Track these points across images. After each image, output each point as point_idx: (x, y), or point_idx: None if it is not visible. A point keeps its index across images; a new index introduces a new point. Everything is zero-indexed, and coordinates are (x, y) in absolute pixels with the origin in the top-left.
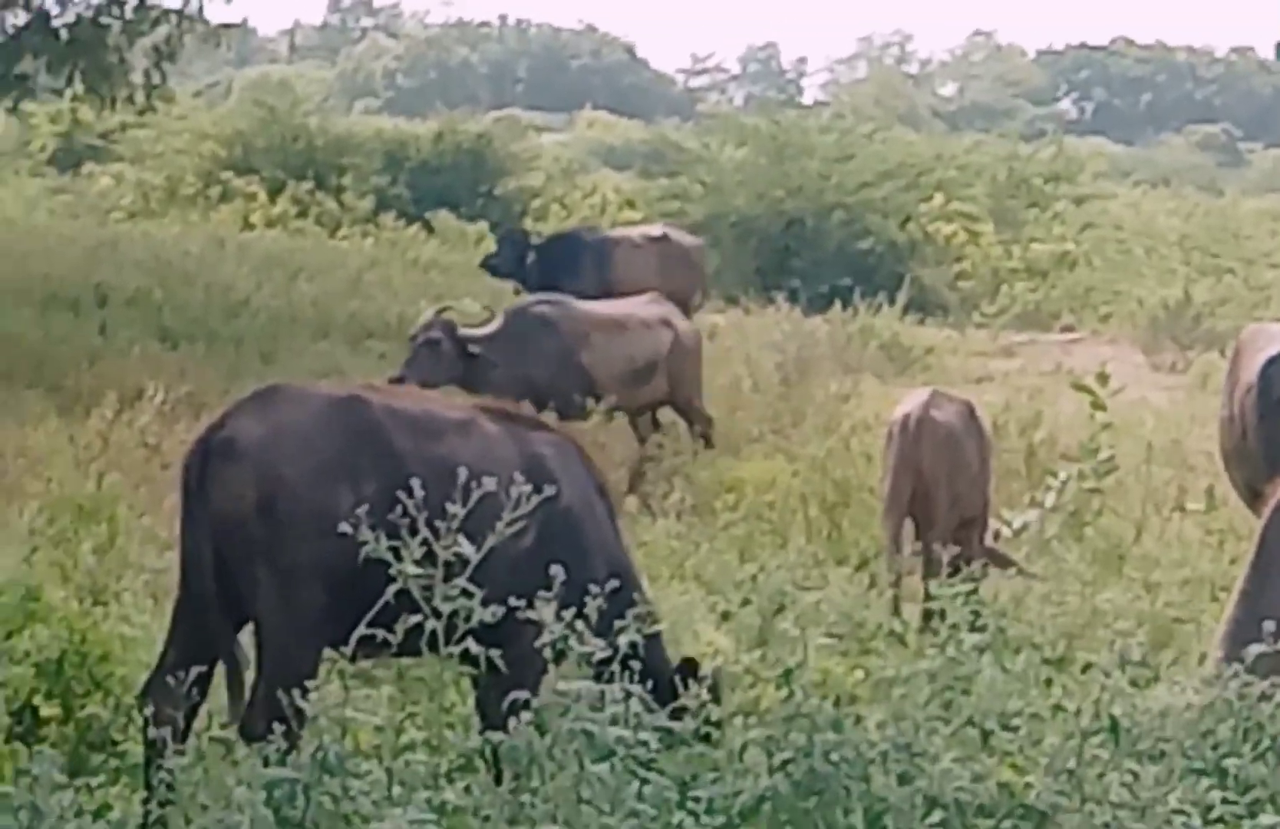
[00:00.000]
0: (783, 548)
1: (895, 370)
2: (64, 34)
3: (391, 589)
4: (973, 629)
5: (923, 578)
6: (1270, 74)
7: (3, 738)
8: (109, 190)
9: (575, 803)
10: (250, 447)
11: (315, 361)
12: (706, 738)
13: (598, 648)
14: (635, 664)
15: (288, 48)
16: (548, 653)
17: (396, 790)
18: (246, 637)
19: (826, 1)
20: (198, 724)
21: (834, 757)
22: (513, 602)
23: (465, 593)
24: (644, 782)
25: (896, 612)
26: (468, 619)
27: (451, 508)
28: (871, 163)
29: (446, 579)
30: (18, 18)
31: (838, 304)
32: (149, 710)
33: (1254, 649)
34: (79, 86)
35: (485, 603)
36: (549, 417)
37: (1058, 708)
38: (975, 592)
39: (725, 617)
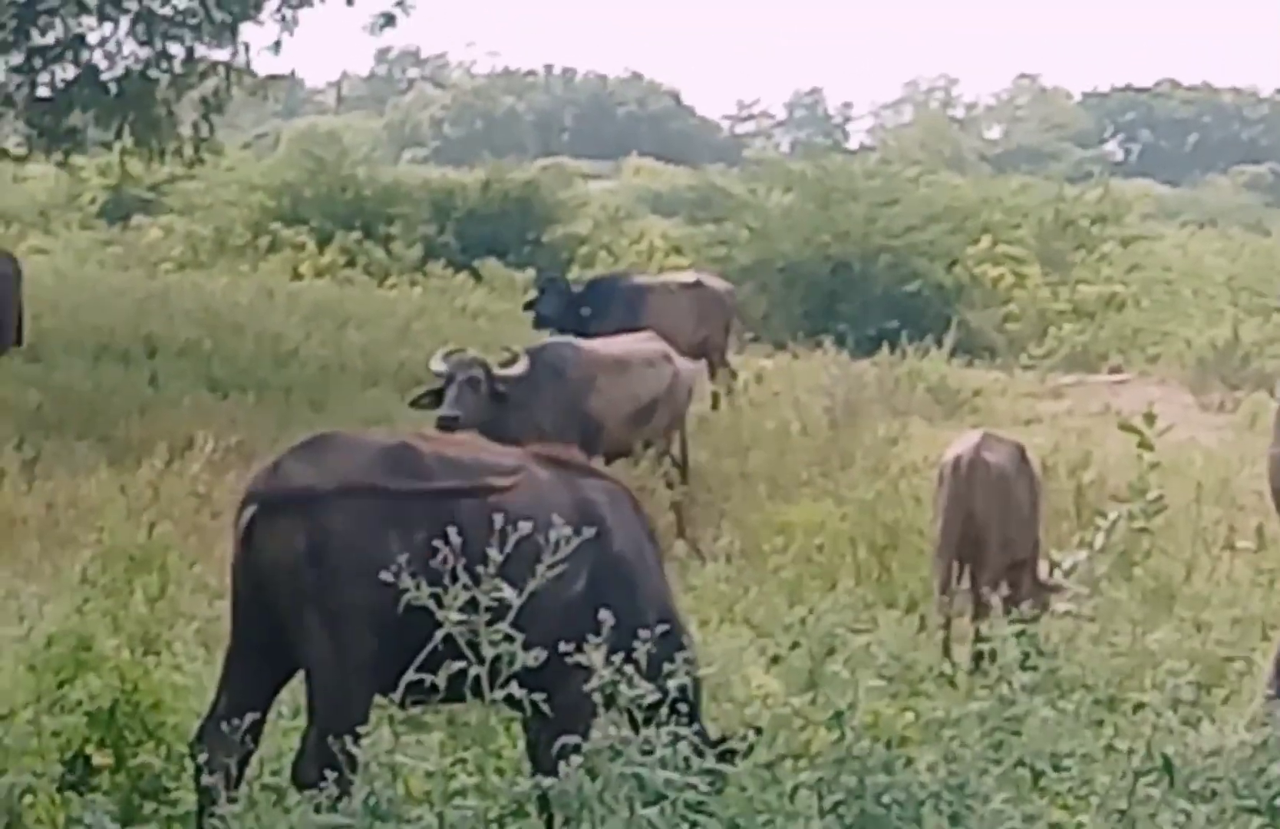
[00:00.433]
0: (832, 590)
1: (943, 413)
2: (113, 88)
3: (439, 635)
4: (1023, 669)
5: (972, 620)
6: None
7: (56, 787)
8: (158, 242)
9: None
10: (301, 494)
11: (365, 410)
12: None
13: (647, 692)
14: (683, 707)
15: (335, 99)
16: (597, 697)
17: None
18: (298, 684)
19: (872, 46)
20: (250, 771)
21: (885, 799)
22: (563, 646)
23: (508, 638)
24: (694, 825)
25: (947, 653)
26: (512, 664)
27: (497, 555)
28: (918, 206)
29: (495, 624)
30: (67, 72)
31: (885, 347)
32: (201, 758)
33: None
34: (128, 139)
35: (534, 647)
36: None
37: (1109, 748)
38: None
39: (775, 660)
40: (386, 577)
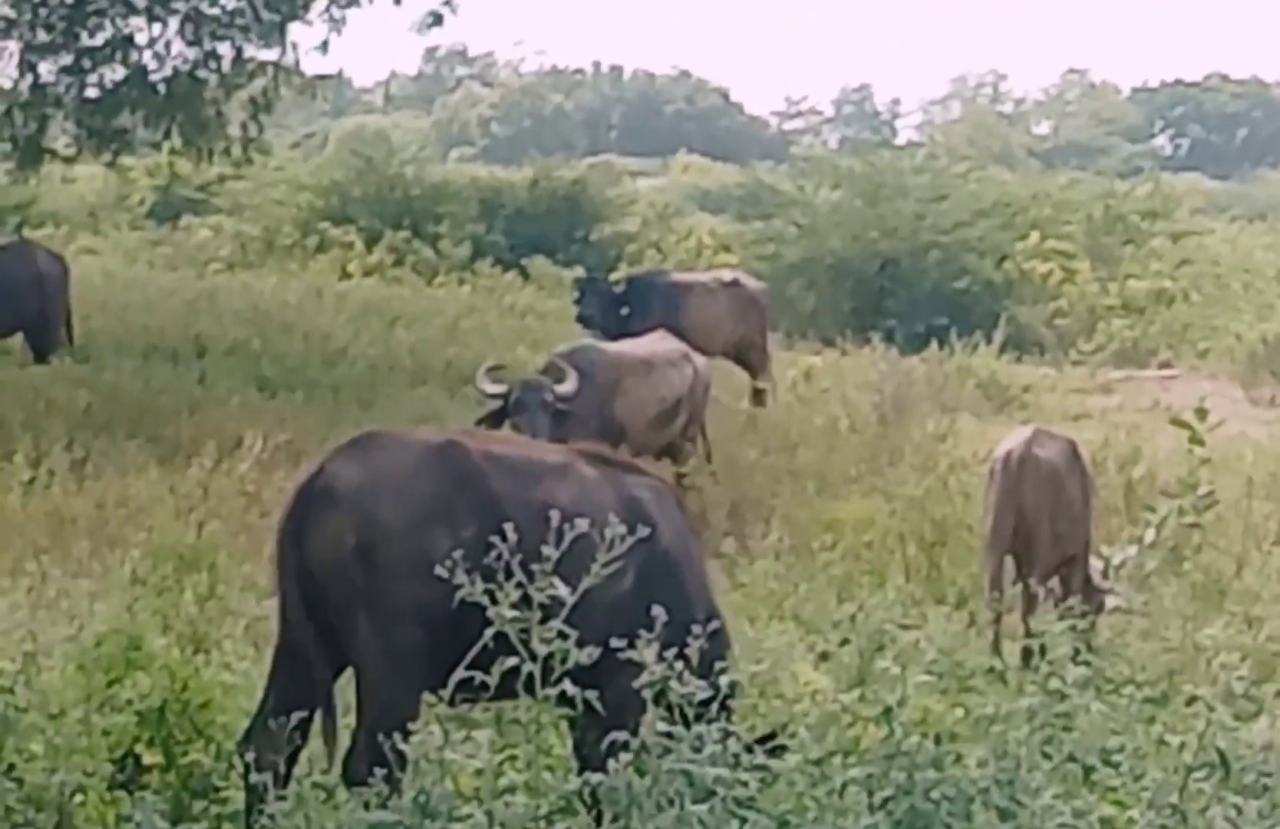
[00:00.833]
0: (881, 587)
1: (992, 409)
2: (161, 88)
3: (489, 632)
4: (1074, 664)
5: (1023, 615)
6: None
7: (106, 786)
8: (207, 242)
9: None
10: (349, 492)
11: (413, 408)
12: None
13: (698, 689)
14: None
15: (383, 98)
16: (646, 694)
17: None
18: (347, 682)
19: (920, 42)
20: (299, 769)
21: (935, 795)
22: (613, 643)
23: (561, 635)
24: (744, 821)
25: (997, 649)
26: (564, 661)
27: (548, 550)
28: (966, 202)
29: (545, 621)
30: (115, 73)
31: (934, 343)
32: (250, 756)
33: None
34: (176, 140)
35: (585, 644)
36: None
37: (1161, 743)
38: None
39: (824, 656)
40: (437, 573)
